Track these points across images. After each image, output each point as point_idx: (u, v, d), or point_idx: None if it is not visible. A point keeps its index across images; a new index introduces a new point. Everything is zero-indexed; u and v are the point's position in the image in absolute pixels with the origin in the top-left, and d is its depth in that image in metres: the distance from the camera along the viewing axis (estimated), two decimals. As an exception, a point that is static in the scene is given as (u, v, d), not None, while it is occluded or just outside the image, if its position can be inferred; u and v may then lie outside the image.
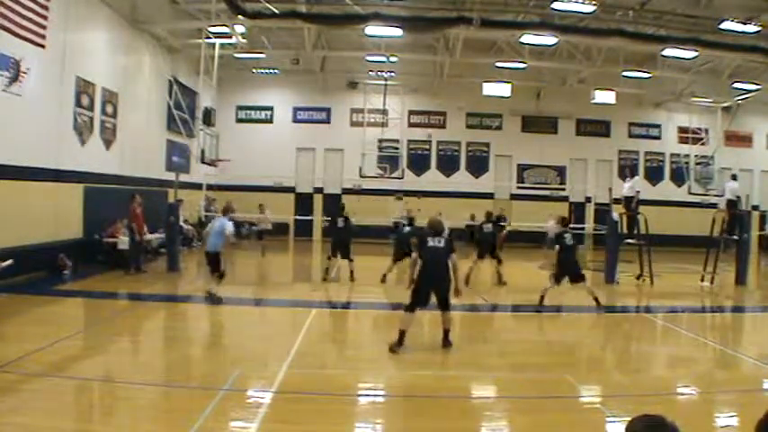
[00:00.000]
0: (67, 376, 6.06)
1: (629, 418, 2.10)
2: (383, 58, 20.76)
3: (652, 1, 16.44)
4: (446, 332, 7.72)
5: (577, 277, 10.52)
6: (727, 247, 15.14)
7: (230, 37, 17.51)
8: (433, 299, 7.60)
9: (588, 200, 25.40)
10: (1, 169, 10.85)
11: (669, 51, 18.44)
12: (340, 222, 13.33)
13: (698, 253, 15.76)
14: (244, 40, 18.22)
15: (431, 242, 7.75)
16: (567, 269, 10.48)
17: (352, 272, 13.08)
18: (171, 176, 17.70)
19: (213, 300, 10.14)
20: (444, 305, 7.61)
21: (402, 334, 7.45)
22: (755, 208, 24.23)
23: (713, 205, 20.83)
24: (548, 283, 10.66)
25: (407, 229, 13.51)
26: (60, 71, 12.83)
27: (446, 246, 7.69)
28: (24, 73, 11.24)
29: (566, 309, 11.05)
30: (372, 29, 17.51)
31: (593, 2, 15.62)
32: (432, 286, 7.56)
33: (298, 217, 22.97)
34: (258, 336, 8.76)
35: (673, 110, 25.54)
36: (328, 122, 25.30)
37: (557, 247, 10.62)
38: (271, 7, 16.01)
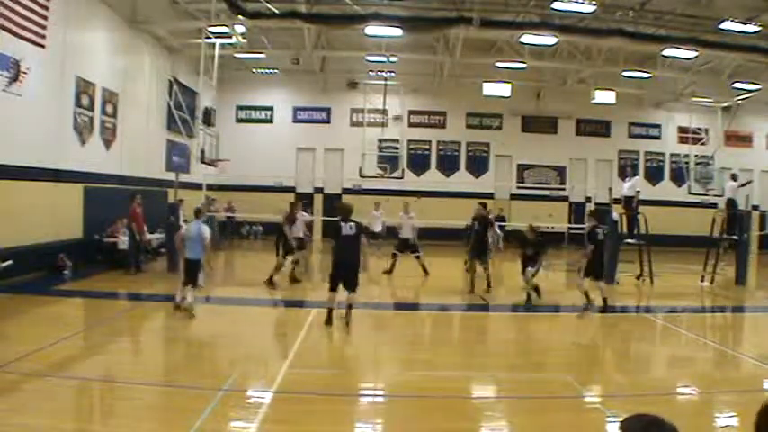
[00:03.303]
0: (67, 376, 6.06)
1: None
2: (383, 58, 20.73)
3: (652, 1, 16.41)
4: (349, 306, 8.64)
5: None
6: (729, 247, 15.14)
7: (230, 37, 17.48)
8: None
9: (588, 200, 25.39)
10: (1, 169, 10.84)
11: (669, 51, 18.42)
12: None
13: (698, 253, 15.75)
14: (244, 40, 18.20)
15: (344, 230, 8.59)
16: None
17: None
18: (171, 176, 17.66)
19: (190, 312, 9.00)
20: (352, 288, 8.61)
21: (329, 311, 8.57)
22: (755, 208, 24.19)
23: (713, 205, 20.82)
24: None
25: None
26: (60, 71, 12.83)
27: (356, 232, 8.68)
28: (24, 73, 11.23)
29: (564, 309, 11.05)
30: (372, 29, 17.50)
31: (593, 2, 15.61)
32: (343, 270, 8.58)
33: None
34: (258, 336, 8.76)
35: (673, 110, 25.51)
36: (328, 122, 25.29)
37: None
38: (271, 7, 16.01)
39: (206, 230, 9.36)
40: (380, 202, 16.81)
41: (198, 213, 9.85)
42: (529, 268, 11.12)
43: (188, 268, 9.34)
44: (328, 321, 8.55)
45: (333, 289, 8.61)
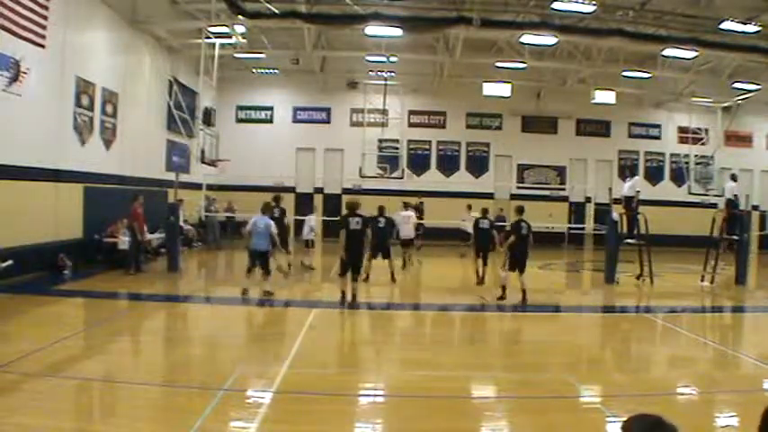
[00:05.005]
0: (67, 376, 6.06)
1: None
2: (383, 58, 20.72)
3: (652, 1, 16.41)
4: (353, 293, 10.16)
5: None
6: (728, 247, 15.13)
7: (230, 37, 17.48)
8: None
9: (588, 200, 25.40)
10: (1, 169, 10.84)
11: (669, 51, 18.41)
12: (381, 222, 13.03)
13: (698, 253, 15.75)
14: (244, 40, 18.19)
15: (352, 225, 9.97)
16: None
17: (392, 272, 13.23)
18: (171, 176, 17.67)
19: (267, 294, 10.79)
20: (357, 272, 10.28)
21: (343, 293, 10.16)
22: (755, 208, 24.20)
23: (713, 205, 20.82)
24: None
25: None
26: (60, 71, 12.82)
27: (362, 227, 10.08)
28: (24, 73, 11.23)
29: (564, 309, 11.05)
30: (372, 29, 17.49)
31: (593, 2, 15.61)
32: (353, 258, 10.06)
33: (298, 217, 22.94)
34: (258, 335, 8.76)
35: (673, 110, 25.51)
36: (328, 122, 25.27)
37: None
38: (271, 7, 16.00)
39: (272, 225, 10.90)
40: (409, 202, 15.57)
41: (264, 210, 11.30)
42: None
43: (255, 259, 10.88)
44: (342, 302, 10.03)
45: (342, 274, 10.14)
